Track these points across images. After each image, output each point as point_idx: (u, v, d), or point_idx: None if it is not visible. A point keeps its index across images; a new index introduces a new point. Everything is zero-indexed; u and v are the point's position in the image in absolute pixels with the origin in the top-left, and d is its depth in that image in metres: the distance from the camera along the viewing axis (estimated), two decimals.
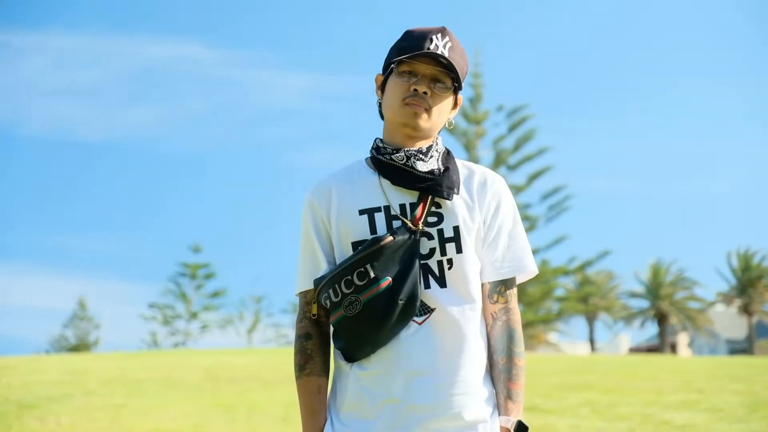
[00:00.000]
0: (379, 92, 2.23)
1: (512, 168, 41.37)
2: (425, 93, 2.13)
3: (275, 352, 25.12)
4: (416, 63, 2.13)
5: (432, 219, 2.12)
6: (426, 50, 2.10)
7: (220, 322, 48.70)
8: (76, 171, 53.55)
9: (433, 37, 2.13)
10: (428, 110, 2.14)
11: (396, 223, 2.11)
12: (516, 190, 40.61)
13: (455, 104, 2.22)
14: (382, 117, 2.24)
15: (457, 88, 2.17)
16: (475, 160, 39.99)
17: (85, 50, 50.91)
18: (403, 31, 2.20)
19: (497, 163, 41.09)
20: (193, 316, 48.02)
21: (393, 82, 2.16)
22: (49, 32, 50.57)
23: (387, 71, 2.19)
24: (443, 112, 2.17)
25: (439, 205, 2.13)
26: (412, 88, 2.13)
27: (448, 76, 2.14)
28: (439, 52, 2.11)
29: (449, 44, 2.14)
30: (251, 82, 53.32)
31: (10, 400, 10.94)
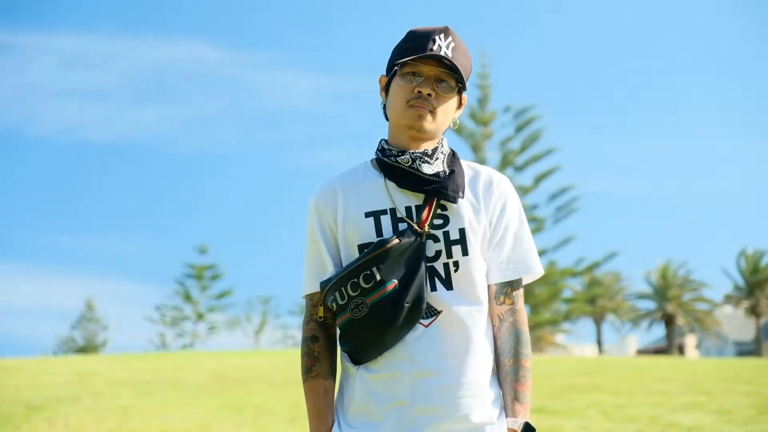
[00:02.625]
0: (383, 94, 2.22)
1: (519, 169, 41.36)
2: (429, 95, 2.11)
3: (282, 353, 25.13)
4: (420, 64, 2.12)
5: (438, 221, 2.11)
6: (429, 51, 2.09)
7: (227, 324, 48.79)
8: (84, 172, 53.74)
9: (436, 37, 2.11)
10: (433, 112, 2.12)
11: (402, 226, 2.11)
12: (523, 191, 40.59)
13: (460, 104, 2.21)
14: (386, 118, 2.23)
15: (461, 88, 2.17)
16: (482, 161, 39.95)
17: (93, 51, 51.09)
18: (407, 31, 2.19)
19: (504, 164, 41.07)
20: (200, 317, 48.10)
21: (396, 84, 2.15)
22: (58, 34, 50.75)
23: (390, 73, 2.18)
24: (448, 113, 2.16)
25: (444, 208, 2.13)
26: (416, 90, 2.11)
27: (452, 76, 2.13)
28: (442, 53, 2.10)
29: (452, 44, 2.13)
30: (260, 83, 53.42)
31: (18, 402, 10.97)
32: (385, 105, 2.22)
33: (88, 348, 47.21)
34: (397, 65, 2.14)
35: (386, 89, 2.20)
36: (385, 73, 2.22)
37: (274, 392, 12.37)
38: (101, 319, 49.56)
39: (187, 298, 48.23)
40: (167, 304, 48.41)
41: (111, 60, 52.17)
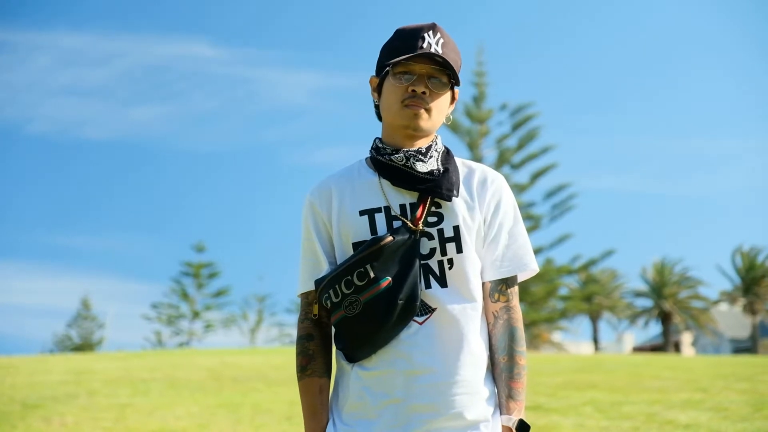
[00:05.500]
0: (375, 94, 2.22)
1: (516, 167, 41.34)
2: (424, 93, 2.12)
3: (279, 351, 25.13)
4: (411, 63, 2.12)
5: (432, 219, 2.12)
6: (419, 49, 2.10)
7: (223, 322, 48.74)
8: (80, 170, 53.66)
9: (425, 35, 2.12)
10: (428, 110, 2.13)
11: (396, 224, 2.11)
12: (519, 188, 40.57)
13: (452, 99, 2.21)
14: (379, 118, 2.24)
15: (453, 84, 2.17)
16: (479, 159, 39.96)
17: (91, 49, 51.02)
18: (394, 30, 2.19)
19: (501, 161, 41.06)
20: (196, 315, 48.07)
21: (390, 84, 2.15)
22: (55, 31, 50.66)
23: (382, 73, 2.18)
24: (442, 109, 2.17)
25: (439, 205, 2.13)
26: (410, 89, 2.12)
27: (443, 72, 2.14)
28: (432, 49, 2.11)
29: (441, 40, 2.14)
30: (257, 80, 53.39)
31: (14, 400, 10.96)
32: (377, 105, 2.22)
33: (84, 346, 47.08)
34: (388, 65, 2.14)
35: (379, 90, 2.20)
36: (375, 74, 2.22)
37: (270, 390, 12.37)
38: (97, 317, 49.50)
39: (184, 296, 48.18)
40: (164, 302, 48.34)
41: (108, 58, 52.14)
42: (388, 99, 2.15)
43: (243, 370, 15.82)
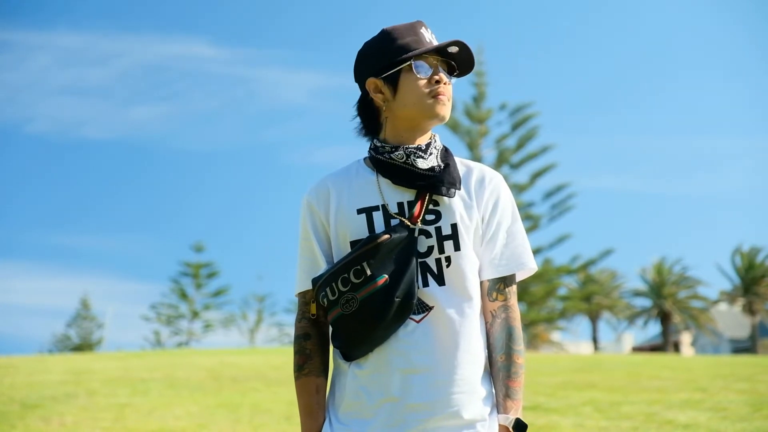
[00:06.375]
0: (379, 95, 2.17)
1: (515, 167, 41.32)
2: (446, 83, 2.15)
3: (278, 351, 25.11)
4: (429, 57, 2.14)
5: (430, 217, 2.11)
6: (428, 42, 2.14)
7: (223, 322, 48.71)
8: (80, 170, 53.63)
9: (422, 30, 2.17)
10: (449, 98, 2.16)
11: (394, 222, 2.10)
12: (519, 188, 40.56)
13: None
14: (374, 122, 2.21)
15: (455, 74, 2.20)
16: (478, 159, 39.93)
17: (90, 48, 51.00)
18: (381, 32, 2.18)
19: (500, 161, 41.04)
20: (196, 315, 48.04)
21: (410, 79, 2.14)
22: (55, 31, 50.64)
23: (390, 72, 2.14)
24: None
25: (437, 203, 2.13)
26: (434, 80, 2.13)
27: (446, 63, 2.17)
28: (436, 42, 2.16)
29: (433, 35, 2.19)
30: (257, 80, 53.38)
31: (13, 400, 10.95)
32: (377, 108, 2.20)
33: (83, 346, 47.04)
34: (405, 60, 2.12)
35: (393, 89, 2.15)
36: (372, 76, 2.17)
37: (269, 390, 12.36)
38: (97, 317, 49.46)
39: (183, 296, 48.15)
40: (163, 302, 48.31)
41: (108, 58, 52.12)
42: (412, 94, 2.14)
43: (242, 370, 15.81)
